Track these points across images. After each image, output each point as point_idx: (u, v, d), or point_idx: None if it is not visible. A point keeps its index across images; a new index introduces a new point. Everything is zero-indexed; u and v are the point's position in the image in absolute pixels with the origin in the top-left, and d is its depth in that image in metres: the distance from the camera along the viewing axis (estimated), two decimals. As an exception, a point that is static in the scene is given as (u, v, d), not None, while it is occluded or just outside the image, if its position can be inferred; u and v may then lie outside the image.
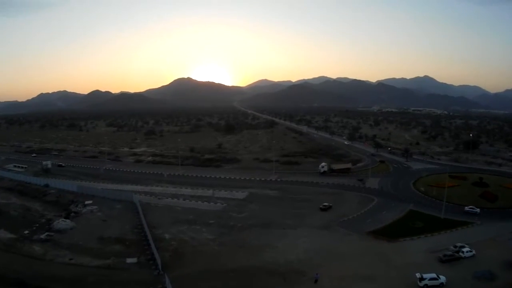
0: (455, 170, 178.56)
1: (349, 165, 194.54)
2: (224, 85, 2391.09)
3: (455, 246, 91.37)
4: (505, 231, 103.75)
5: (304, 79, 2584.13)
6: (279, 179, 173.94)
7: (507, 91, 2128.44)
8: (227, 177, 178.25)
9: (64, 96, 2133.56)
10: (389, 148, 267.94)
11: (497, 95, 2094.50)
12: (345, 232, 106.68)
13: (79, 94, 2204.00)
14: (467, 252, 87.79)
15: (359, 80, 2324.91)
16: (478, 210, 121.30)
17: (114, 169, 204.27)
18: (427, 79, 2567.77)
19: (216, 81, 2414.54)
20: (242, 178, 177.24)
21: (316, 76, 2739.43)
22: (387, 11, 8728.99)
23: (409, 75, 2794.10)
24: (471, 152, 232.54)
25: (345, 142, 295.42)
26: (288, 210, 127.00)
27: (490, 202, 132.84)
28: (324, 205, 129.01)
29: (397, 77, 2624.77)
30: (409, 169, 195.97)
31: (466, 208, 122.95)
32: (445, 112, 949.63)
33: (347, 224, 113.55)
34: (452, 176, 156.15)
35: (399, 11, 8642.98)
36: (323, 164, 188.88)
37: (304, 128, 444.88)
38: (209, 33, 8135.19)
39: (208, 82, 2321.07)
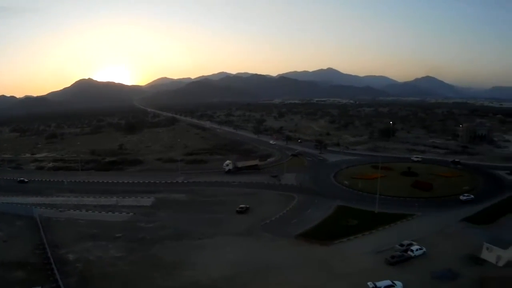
0: (377, 160, 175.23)
1: (256, 162, 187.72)
2: (124, 85, 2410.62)
3: (402, 245, 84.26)
4: (451, 221, 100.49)
5: (203, 76, 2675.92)
6: (186, 181, 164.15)
7: (417, 79, 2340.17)
8: (131, 182, 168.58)
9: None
10: (299, 140, 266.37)
11: (406, 83, 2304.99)
12: (271, 238, 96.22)
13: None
14: (417, 250, 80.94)
15: (260, 75, 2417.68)
16: (472, 196, 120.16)
17: (15, 178, 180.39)
18: (331, 71, 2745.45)
19: (117, 81, 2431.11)
20: (146, 181, 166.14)
21: (216, 72, 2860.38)
22: (285, 4, 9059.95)
23: (311, 68, 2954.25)
24: (389, 140, 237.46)
25: (271, 141, 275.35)
26: (202, 216, 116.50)
27: (425, 191, 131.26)
28: (241, 207, 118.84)
29: (298, 70, 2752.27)
30: (325, 162, 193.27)
31: (462, 197, 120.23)
32: (351, 101, 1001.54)
33: (271, 227, 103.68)
34: (375, 167, 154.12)
35: (297, 5, 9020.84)
36: (227, 162, 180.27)
37: (206, 124, 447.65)
38: (110, 33, 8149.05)
39: (109, 82, 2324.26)
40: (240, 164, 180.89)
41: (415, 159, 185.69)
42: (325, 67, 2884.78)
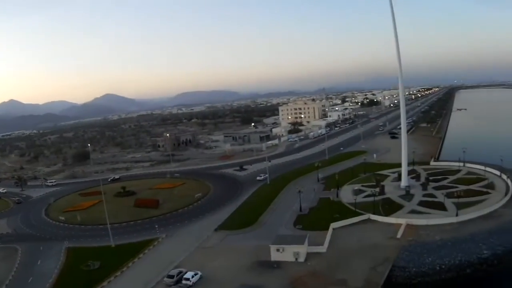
0: (82, 187, 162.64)
1: None
2: None
3: (171, 276, 69.95)
4: (204, 233, 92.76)
5: None
6: None
7: (97, 99, 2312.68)
8: None
9: None
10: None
11: (86, 104, 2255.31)
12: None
13: None
14: (192, 277, 68.38)
15: None
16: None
17: None
18: (13, 103, 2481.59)
19: None
20: None
21: None
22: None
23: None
24: (86, 164, 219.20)
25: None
26: None
27: (153, 208, 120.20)
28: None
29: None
30: (31, 199, 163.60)
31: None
32: (35, 131, 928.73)
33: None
34: (84, 194, 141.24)
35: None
36: None
37: None
38: None
39: None
40: None
41: (116, 177, 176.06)
42: (7, 99, 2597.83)
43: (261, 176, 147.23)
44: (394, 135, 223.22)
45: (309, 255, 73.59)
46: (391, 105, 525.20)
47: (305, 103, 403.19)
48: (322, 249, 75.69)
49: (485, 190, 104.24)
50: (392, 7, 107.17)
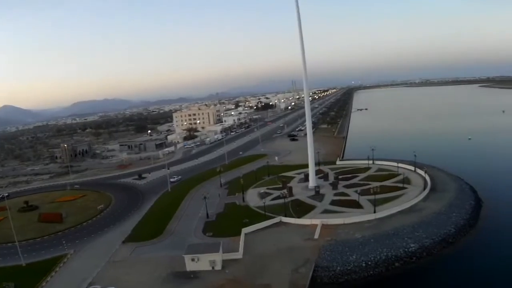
0: None
1: None
2: None
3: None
4: (112, 247, 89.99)
5: None
6: None
7: None
8: None
9: None
10: None
11: None
12: None
13: None
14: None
15: None
16: None
17: None
18: None
19: None
20: None
21: None
22: None
23: None
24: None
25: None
26: None
27: (57, 222, 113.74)
28: None
29: None
30: None
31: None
32: None
33: None
34: None
35: None
36: None
37: None
38: None
39: None
40: None
41: (5, 194, 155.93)
42: None
43: (174, 177, 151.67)
44: (293, 137, 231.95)
45: (225, 263, 73.94)
46: (289, 108, 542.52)
47: (200, 109, 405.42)
48: (238, 255, 76.54)
49: (400, 185, 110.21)
50: (298, 11, 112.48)
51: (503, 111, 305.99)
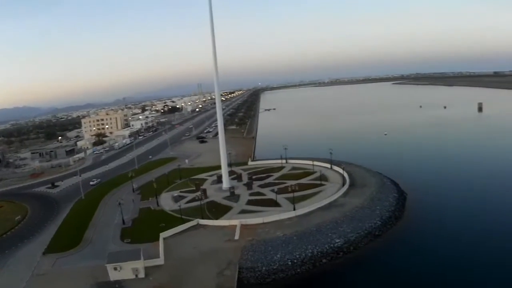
0: None
1: None
2: None
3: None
4: (34, 261, 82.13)
5: None
6: None
7: None
8: None
9: None
10: None
11: None
12: None
13: None
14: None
15: None
16: None
17: None
18: None
19: None
20: None
21: None
22: None
23: None
24: None
25: None
26: None
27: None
28: None
29: None
30: None
31: None
32: None
33: None
34: None
35: None
36: None
37: None
38: None
39: None
40: None
41: None
42: None
43: (94, 180, 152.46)
44: (202, 139, 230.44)
45: (148, 270, 70.88)
46: (196, 110, 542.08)
47: (107, 114, 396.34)
48: (160, 261, 73.75)
49: (318, 182, 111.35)
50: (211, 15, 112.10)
51: (420, 106, 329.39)
